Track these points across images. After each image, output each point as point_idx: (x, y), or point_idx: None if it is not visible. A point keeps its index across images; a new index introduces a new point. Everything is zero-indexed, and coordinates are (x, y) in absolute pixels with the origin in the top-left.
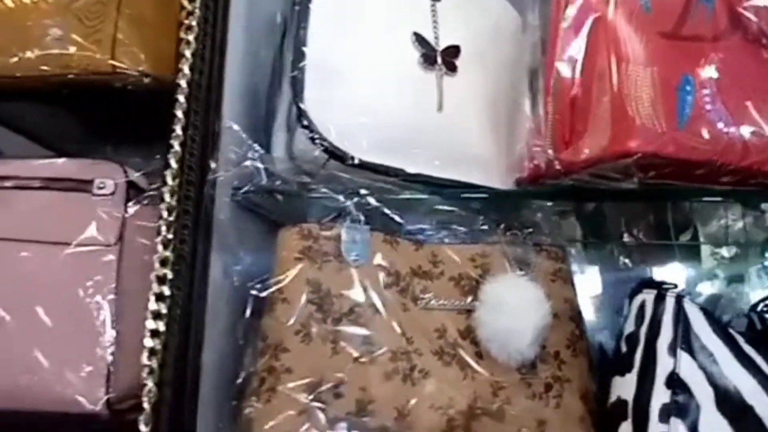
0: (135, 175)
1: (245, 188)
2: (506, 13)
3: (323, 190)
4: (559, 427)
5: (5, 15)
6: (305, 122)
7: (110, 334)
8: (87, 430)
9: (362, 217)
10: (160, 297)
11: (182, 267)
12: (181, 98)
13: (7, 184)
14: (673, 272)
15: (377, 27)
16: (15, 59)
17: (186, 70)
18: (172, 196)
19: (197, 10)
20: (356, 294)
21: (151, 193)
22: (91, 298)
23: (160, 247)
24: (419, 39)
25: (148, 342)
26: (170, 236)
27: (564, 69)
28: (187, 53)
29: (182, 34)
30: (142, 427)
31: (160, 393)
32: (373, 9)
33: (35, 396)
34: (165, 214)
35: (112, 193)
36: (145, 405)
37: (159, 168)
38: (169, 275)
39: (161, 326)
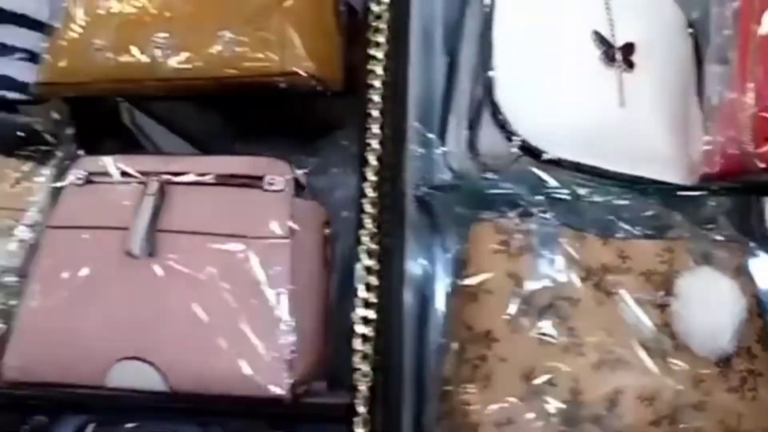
0: (299, 173)
1: (428, 184)
2: (673, 9)
3: (507, 186)
4: (754, 420)
5: (178, 21)
6: (501, 119)
7: (290, 321)
8: (261, 414)
9: (550, 213)
10: (368, 287)
11: (386, 258)
12: (376, 98)
13: (183, 179)
14: None
15: (558, 26)
16: (187, 63)
17: (379, 71)
18: (374, 191)
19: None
20: (554, 287)
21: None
22: (271, 287)
23: (366, 239)
24: (599, 37)
25: (360, 329)
26: (375, 229)
27: None
28: (379, 55)
29: (372, 45)
30: (360, 408)
31: (375, 377)
32: (552, 8)
33: (224, 380)
34: (368, 208)
35: (282, 189)
36: (361, 388)
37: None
38: (375, 266)
39: (371, 314)
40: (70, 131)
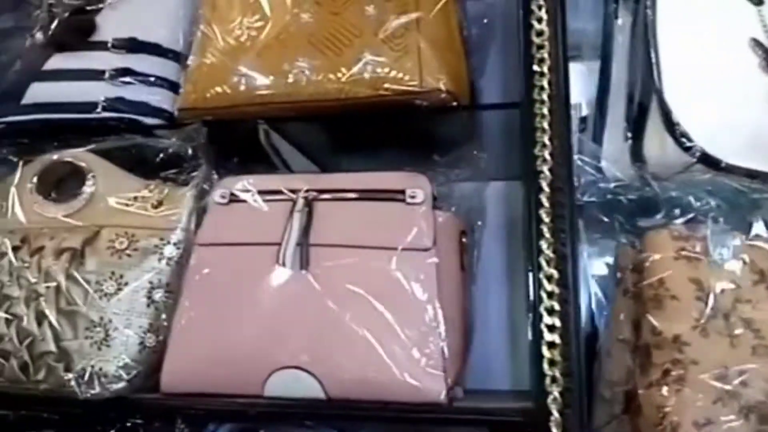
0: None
1: (589, 192)
2: None
3: (673, 193)
4: None
5: (318, 45)
6: (678, 131)
7: (441, 329)
8: (418, 419)
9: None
10: (550, 295)
11: (565, 267)
12: (545, 110)
13: (326, 196)
14: None
15: (717, 34)
16: (328, 85)
17: (545, 84)
18: (549, 202)
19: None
20: (734, 290)
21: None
22: (421, 296)
23: (544, 246)
24: (758, 44)
25: (548, 336)
26: (552, 238)
27: None
28: (544, 69)
29: (535, 60)
30: (555, 413)
31: (568, 383)
32: (711, 17)
33: (381, 386)
34: (545, 217)
35: (423, 202)
36: (555, 394)
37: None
38: (555, 274)
39: (557, 321)
40: (208, 153)
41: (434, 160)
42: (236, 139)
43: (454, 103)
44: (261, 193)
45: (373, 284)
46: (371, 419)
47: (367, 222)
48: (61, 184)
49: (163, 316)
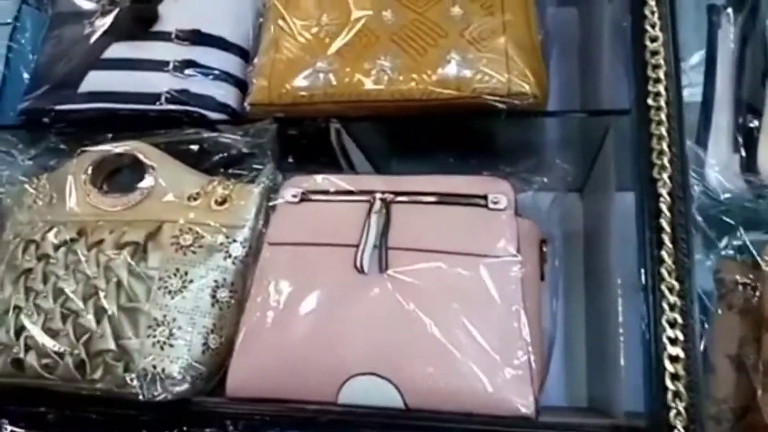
0: None
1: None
2: None
3: None
4: None
5: (403, 44)
6: None
7: (528, 340)
8: None
9: None
10: (672, 307)
11: (686, 277)
12: (662, 116)
13: (404, 198)
14: None
15: None
16: (411, 85)
17: (660, 90)
18: (669, 211)
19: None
20: None
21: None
22: (506, 305)
23: (665, 256)
24: None
25: (671, 349)
26: (673, 248)
27: None
28: (660, 75)
29: (650, 66)
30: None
31: (692, 398)
32: None
33: (464, 397)
34: (665, 226)
35: (506, 208)
36: (680, 409)
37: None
38: (677, 286)
39: (680, 335)
40: (275, 151)
41: (500, 167)
42: (298, 138)
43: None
44: (335, 193)
45: (457, 291)
46: (452, 431)
47: (449, 227)
48: (114, 176)
49: (227, 316)
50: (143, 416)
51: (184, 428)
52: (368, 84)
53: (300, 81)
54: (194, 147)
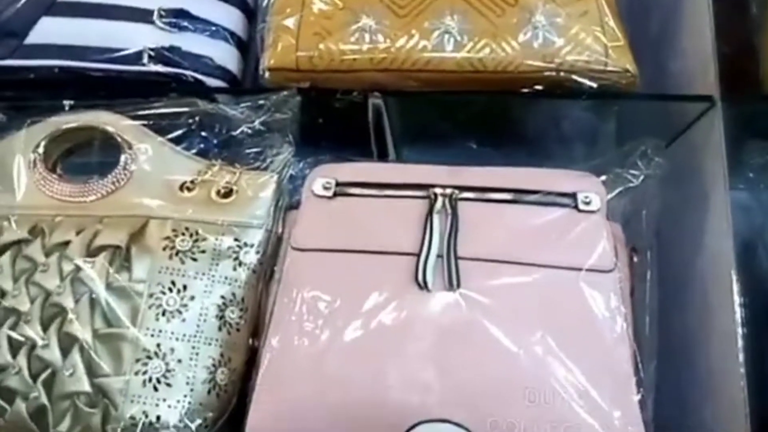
0: None
1: None
2: None
3: None
4: None
5: (475, 1)
6: None
7: (639, 374)
8: None
9: None
10: None
11: None
12: None
13: (471, 195)
14: None
15: None
16: (483, 53)
17: None
18: None
19: None
20: None
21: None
22: (612, 331)
23: None
24: None
25: None
26: None
27: None
28: None
29: None
30: None
31: None
32: None
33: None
34: None
35: (599, 209)
36: None
37: None
38: None
39: None
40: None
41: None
42: (323, 114)
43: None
44: (381, 186)
45: (550, 314)
46: None
47: (532, 231)
48: (70, 156)
49: (237, 342)
50: None
51: None
52: (429, 49)
53: (339, 41)
54: (187, 121)
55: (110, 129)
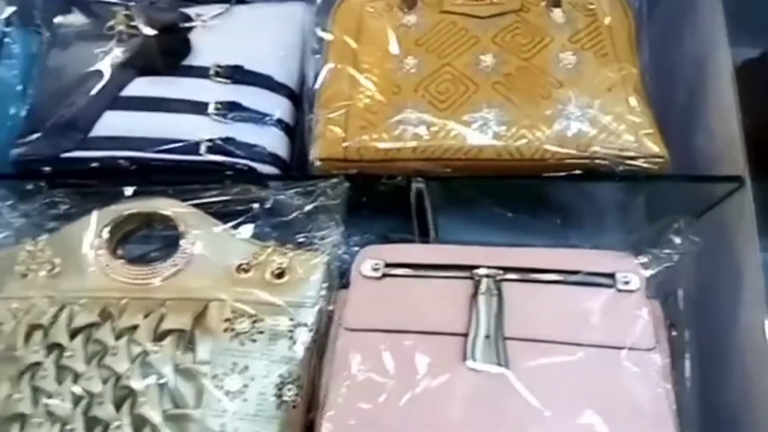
0: None
1: None
2: None
3: None
4: None
5: (510, 93)
6: None
7: None
8: None
9: None
10: None
11: None
12: None
13: (515, 276)
14: None
15: None
16: (526, 141)
17: None
18: None
19: None
20: None
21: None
22: (656, 410)
23: None
24: None
25: None
26: None
27: None
28: None
29: None
30: None
31: None
32: None
33: None
34: None
35: (638, 288)
36: None
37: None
38: None
39: None
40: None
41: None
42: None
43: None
44: (427, 267)
45: (597, 392)
46: None
47: (574, 312)
48: (127, 241)
49: (294, 420)
50: None
51: None
52: (469, 139)
53: (384, 133)
54: (242, 207)
55: (170, 215)
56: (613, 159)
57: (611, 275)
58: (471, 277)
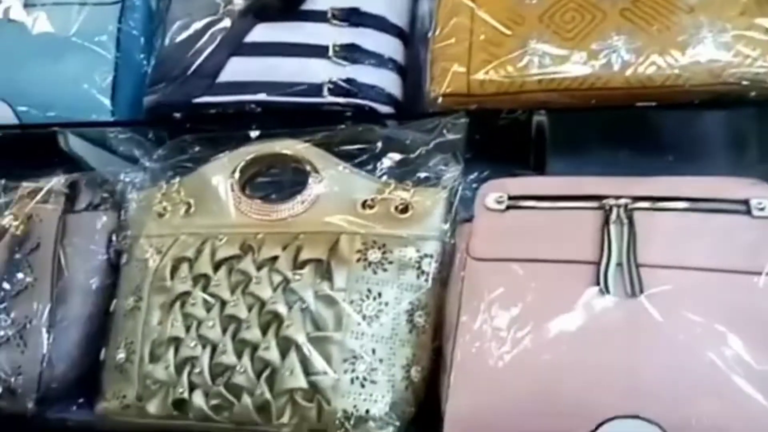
0: None
1: None
2: None
3: None
4: None
5: (639, 18)
6: None
7: None
8: None
9: None
10: None
11: None
12: None
13: (645, 204)
14: None
15: None
16: (657, 68)
17: None
18: None
19: None
20: None
21: None
22: None
23: None
24: None
25: None
26: None
27: None
28: None
29: None
30: None
31: None
32: None
33: None
34: None
35: None
36: None
37: None
38: None
39: None
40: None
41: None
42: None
43: None
44: (553, 198)
45: (734, 316)
46: None
47: (707, 238)
48: (254, 180)
49: (424, 344)
50: None
51: None
52: (598, 68)
53: (509, 66)
54: (364, 146)
55: (296, 155)
56: (746, 84)
57: (745, 201)
58: (600, 207)
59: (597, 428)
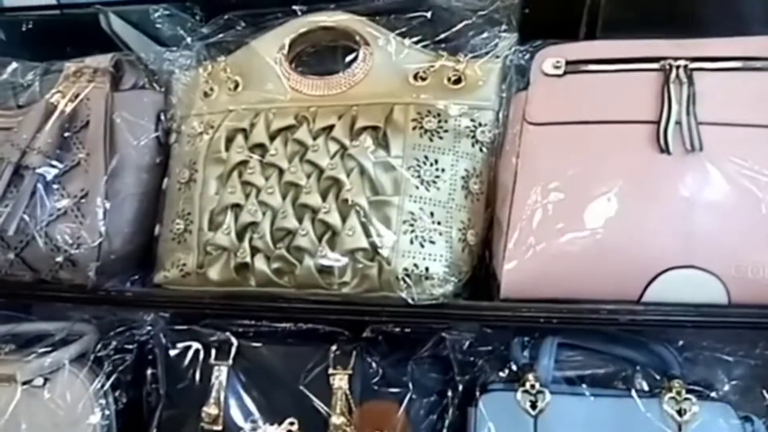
0: None
1: None
2: None
3: None
4: None
5: None
6: None
7: None
8: None
9: None
10: None
11: None
12: None
13: (704, 65)
14: None
15: None
16: None
17: None
18: None
19: None
20: None
21: None
22: None
23: None
24: None
25: None
26: None
27: None
28: None
29: None
30: None
31: None
32: None
33: None
34: None
35: None
36: None
37: None
38: None
39: None
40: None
41: None
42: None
43: None
44: (612, 61)
45: None
46: None
47: (765, 96)
48: (302, 55)
49: (479, 210)
50: (389, 322)
51: (444, 334)
52: None
53: None
54: (414, 16)
55: (346, 28)
56: None
57: None
58: (660, 69)
59: (653, 279)
